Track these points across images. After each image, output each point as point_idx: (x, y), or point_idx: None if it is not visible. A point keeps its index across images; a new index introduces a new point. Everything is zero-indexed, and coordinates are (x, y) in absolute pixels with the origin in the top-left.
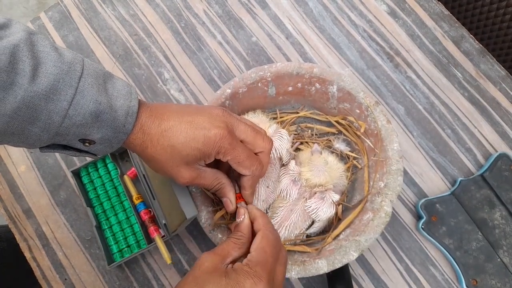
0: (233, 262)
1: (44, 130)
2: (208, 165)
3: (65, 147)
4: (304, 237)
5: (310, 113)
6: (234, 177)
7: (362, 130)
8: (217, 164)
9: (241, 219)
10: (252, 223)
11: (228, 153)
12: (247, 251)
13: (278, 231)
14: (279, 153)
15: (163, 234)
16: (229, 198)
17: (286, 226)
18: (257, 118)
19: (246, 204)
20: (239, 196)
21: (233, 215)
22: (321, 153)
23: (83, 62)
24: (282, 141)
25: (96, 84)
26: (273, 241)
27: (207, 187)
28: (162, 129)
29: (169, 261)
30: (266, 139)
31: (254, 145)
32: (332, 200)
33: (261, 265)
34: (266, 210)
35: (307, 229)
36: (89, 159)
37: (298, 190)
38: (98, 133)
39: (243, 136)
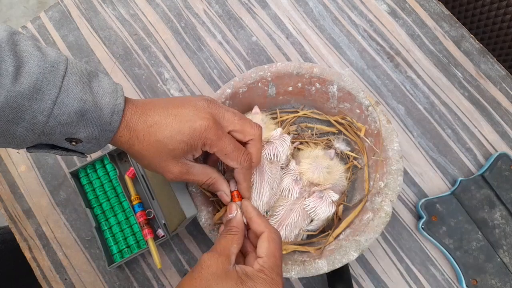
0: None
1: (29, 130)
2: (197, 160)
3: (52, 147)
4: (305, 236)
5: (311, 112)
6: (227, 172)
7: (362, 135)
8: (205, 157)
9: (234, 214)
10: (247, 219)
11: (214, 145)
12: (242, 244)
13: (278, 230)
14: (279, 158)
15: (162, 235)
16: (223, 190)
17: (286, 225)
18: (262, 122)
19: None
20: (238, 194)
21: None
22: (332, 159)
23: (67, 61)
24: (283, 146)
25: (80, 83)
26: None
27: (199, 183)
28: (148, 124)
29: (159, 266)
30: (254, 126)
31: (244, 133)
32: (332, 200)
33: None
34: (266, 212)
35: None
36: (88, 159)
37: (299, 189)
38: (85, 131)
39: (231, 126)
